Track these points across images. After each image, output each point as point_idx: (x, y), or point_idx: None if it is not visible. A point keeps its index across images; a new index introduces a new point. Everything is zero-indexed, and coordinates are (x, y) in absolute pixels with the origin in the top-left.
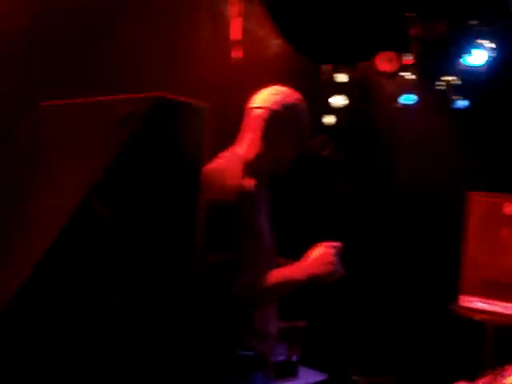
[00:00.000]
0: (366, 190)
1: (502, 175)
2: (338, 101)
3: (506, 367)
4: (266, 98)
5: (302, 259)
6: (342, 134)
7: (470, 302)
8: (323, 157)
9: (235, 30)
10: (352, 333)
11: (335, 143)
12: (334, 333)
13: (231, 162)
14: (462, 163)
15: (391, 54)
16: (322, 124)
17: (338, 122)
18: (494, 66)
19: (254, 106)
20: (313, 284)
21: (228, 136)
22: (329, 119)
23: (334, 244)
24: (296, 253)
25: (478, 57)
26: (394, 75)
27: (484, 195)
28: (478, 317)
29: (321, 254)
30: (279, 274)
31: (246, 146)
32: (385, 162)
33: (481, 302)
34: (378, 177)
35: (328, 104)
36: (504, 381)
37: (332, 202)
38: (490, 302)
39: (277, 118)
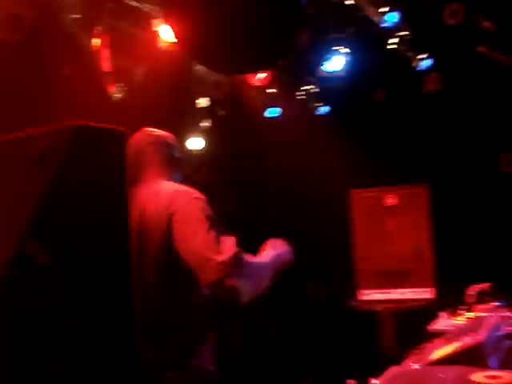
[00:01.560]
0: (242, 210)
1: (378, 171)
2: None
3: (425, 345)
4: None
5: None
6: (213, 157)
7: (368, 294)
8: (196, 181)
9: (104, 62)
10: (261, 342)
11: (207, 166)
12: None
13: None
14: (338, 164)
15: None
16: (191, 149)
17: (207, 144)
18: (350, 69)
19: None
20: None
21: None
22: (197, 143)
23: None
24: None
25: (336, 63)
26: (260, 89)
27: (365, 191)
28: (378, 307)
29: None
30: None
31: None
32: (259, 179)
33: (378, 292)
34: (253, 194)
35: (197, 128)
36: (429, 357)
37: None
38: (387, 291)
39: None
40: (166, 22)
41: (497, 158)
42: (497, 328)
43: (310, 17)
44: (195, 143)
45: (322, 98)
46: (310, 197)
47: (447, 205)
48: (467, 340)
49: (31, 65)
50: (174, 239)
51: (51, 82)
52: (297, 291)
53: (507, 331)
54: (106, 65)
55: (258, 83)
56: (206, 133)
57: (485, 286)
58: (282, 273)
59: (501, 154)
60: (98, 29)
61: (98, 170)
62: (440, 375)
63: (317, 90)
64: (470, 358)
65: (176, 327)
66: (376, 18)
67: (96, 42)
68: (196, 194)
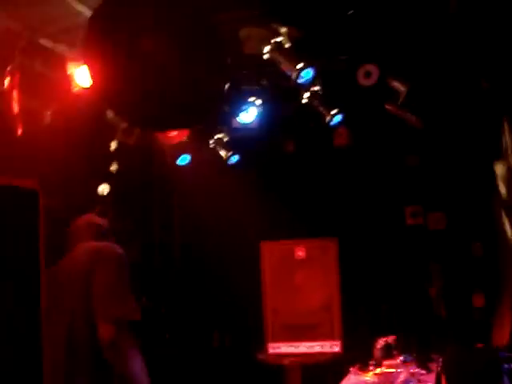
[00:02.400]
0: (148, 259)
1: (288, 223)
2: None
3: None
4: None
5: None
6: (121, 202)
7: (277, 348)
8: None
9: (13, 103)
10: None
11: (114, 212)
12: None
13: None
14: (249, 215)
15: None
16: (98, 193)
17: (114, 189)
18: (262, 121)
19: None
20: None
21: None
22: (104, 188)
23: None
24: None
25: (250, 114)
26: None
27: (276, 243)
28: (286, 361)
29: None
30: None
31: None
32: (168, 226)
33: (286, 345)
34: (163, 241)
35: (104, 172)
36: None
37: None
38: (295, 344)
39: None
40: (86, 64)
41: (402, 210)
42: None
43: (226, 68)
44: (103, 188)
45: (233, 147)
46: (220, 247)
47: (354, 258)
48: None
49: None
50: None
51: None
52: (204, 341)
53: None
54: (14, 105)
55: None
56: (115, 178)
57: (390, 338)
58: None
59: (406, 207)
60: (9, 68)
61: (10, 228)
62: None
63: (227, 139)
64: None
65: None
66: (292, 74)
67: (6, 81)
68: (113, 253)
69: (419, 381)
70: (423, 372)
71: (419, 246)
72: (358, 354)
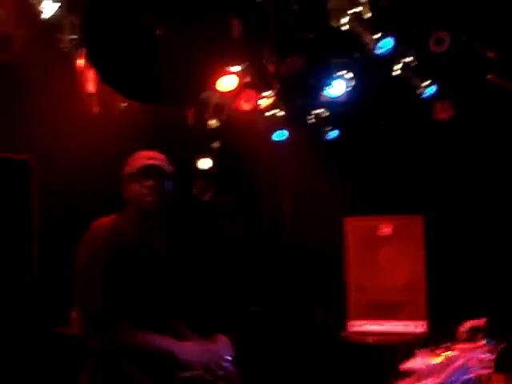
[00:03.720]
0: (252, 231)
1: (376, 199)
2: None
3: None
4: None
5: (198, 341)
6: (220, 178)
7: (360, 326)
8: (205, 202)
9: (89, 83)
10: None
11: (214, 187)
12: None
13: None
14: (335, 190)
15: (249, 93)
16: (198, 169)
17: (214, 165)
18: (354, 95)
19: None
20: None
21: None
22: (204, 163)
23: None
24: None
25: (338, 88)
26: (259, 112)
27: (360, 219)
28: (370, 340)
29: (212, 351)
30: (159, 340)
31: None
32: (267, 201)
33: (369, 324)
34: (262, 215)
35: (203, 148)
36: None
37: (221, 246)
38: (378, 322)
39: None
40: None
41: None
42: (464, 371)
43: (309, 41)
44: (204, 163)
45: (330, 122)
46: (307, 223)
47: (442, 237)
48: (428, 381)
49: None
50: None
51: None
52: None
53: (476, 375)
54: (90, 85)
55: (246, 109)
56: (215, 154)
57: (479, 322)
58: None
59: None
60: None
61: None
62: None
63: (327, 114)
64: None
65: None
66: (370, 44)
67: (81, 61)
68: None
69: (484, 367)
70: (490, 356)
71: None
72: (444, 336)
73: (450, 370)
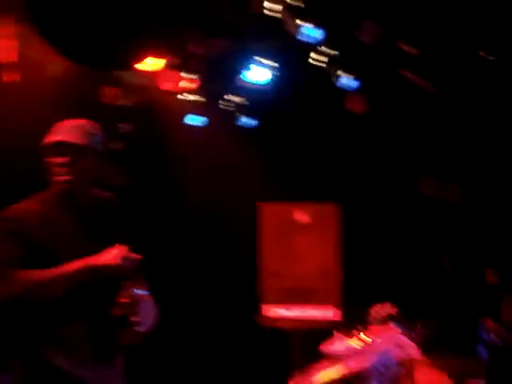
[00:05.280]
0: (157, 215)
1: (292, 186)
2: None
3: (311, 367)
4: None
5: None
6: (129, 160)
7: (272, 310)
8: (111, 184)
9: (8, 52)
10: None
11: (123, 170)
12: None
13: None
14: (253, 177)
15: (171, 73)
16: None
17: (123, 147)
18: (277, 84)
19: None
20: (98, 274)
21: None
22: (114, 145)
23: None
24: None
25: (259, 74)
26: (177, 95)
27: (275, 205)
28: (280, 324)
29: (108, 250)
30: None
31: None
32: (176, 184)
33: (282, 309)
34: (169, 199)
35: (112, 129)
36: (312, 378)
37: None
38: (291, 307)
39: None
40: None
41: (415, 181)
42: (386, 355)
43: (231, 26)
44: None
45: (248, 109)
46: (222, 205)
47: (361, 225)
48: (352, 365)
49: None
50: None
51: None
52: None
53: (396, 358)
54: (9, 55)
55: (168, 88)
56: (127, 135)
57: (387, 306)
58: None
59: (419, 178)
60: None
61: None
62: None
63: (244, 101)
64: (355, 382)
65: None
66: (294, 31)
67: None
68: None
69: (402, 350)
70: (408, 340)
71: (431, 217)
72: (355, 320)
73: (373, 354)
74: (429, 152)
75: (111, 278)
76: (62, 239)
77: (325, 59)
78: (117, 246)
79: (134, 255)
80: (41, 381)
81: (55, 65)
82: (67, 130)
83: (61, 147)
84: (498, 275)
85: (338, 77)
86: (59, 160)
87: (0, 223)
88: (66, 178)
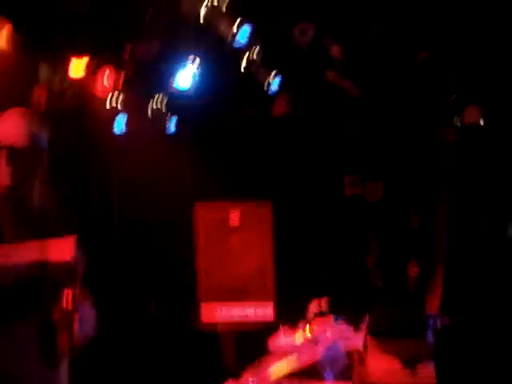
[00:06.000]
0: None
1: (224, 186)
2: None
3: (263, 360)
4: None
5: None
6: (55, 170)
7: (211, 311)
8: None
9: None
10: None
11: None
12: None
13: None
14: (186, 180)
15: (98, 75)
16: None
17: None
18: (201, 86)
19: None
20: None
21: None
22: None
23: None
24: None
25: (185, 78)
26: (104, 99)
27: (209, 205)
28: (219, 325)
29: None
30: None
31: None
32: (107, 191)
33: (220, 309)
34: (103, 206)
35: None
36: (266, 372)
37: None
38: (229, 307)
39: None
40: None
41: (341, 180)
42: (333, 345)
43: (161, 30)
44: None
45: (171, 113)
46: (156, 212)
47: (291, 224)
48: (304, 357)
49: None
50: None
51: None
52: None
53: (344, 348)
54: None
55: (102, 92)
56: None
57: (323, 300)
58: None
59: (344, 177)
60: None
61: None
62: None
63: (167, 103)
64: (308, 373)
65: None
66: (228, 36)
67: None
68: None
69: (347, 339)
70: (352, 331)
71: (357, 215)
72: (293, 316)
73: (322, 345)
74: (353, 152)
75: (53, 279)
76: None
77: (251, 61)
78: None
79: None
80: None
81: None
82: (6, 128)
83: None
84: (419, 269)
85: (264, 80)
86: None
87: None
88: (6, 180)
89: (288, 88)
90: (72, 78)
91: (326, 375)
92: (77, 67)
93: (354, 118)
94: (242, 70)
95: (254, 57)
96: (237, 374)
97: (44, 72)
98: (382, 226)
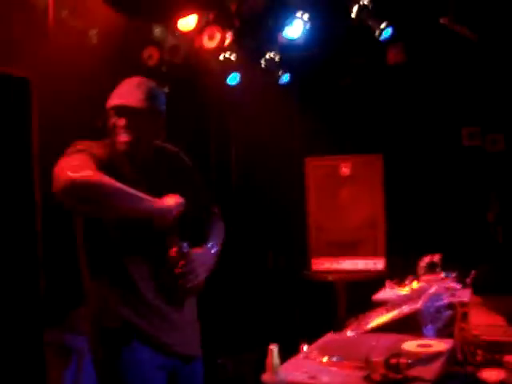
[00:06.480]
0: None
1: (335, 140)
2: None
3: (366, 314)
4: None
5: None
6: (173, 123)
7: (321, 264)
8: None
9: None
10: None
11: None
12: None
13: None
14: (296, 133)
15: (214, 29)
16: None
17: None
18: (311, 37)
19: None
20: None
21: None
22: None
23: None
24: None
25: (296, 29)
26: (217, 54)
27: (320, 159)
28: (330, 277)
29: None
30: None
31: None
32: (219, 143)
33: (330, 262)
34: (215, 158)
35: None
36: (367, 325)
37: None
38: (339, 260)
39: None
40: None
41: (459, 131)
42: (436, 298)
43: None
44: None
45: (284, 65)
46: (269, 165)
47: (404, 177)
48: (405, 309)
49: None
50: None
51: None
52: (257, 260)
53: (448, 301)
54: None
55: (210, 46)
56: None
57: (435, 256)
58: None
59: (462, 128)
60: None
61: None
62: (373, 343)
63: (279, 57)
64: (407, 326)
65: None
66: None
67: None
68: None
69: (453, 295)
70: (459, 287)
71: (476, 168)
72: (402, 272)
73: (424, 296)
74: (473, 102)
75: (165, 226)
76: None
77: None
78: (172, 195)
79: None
80: (114, 337)
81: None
82: (128, 93)
83: (121, 110)
84: None
85: (376, 28)
86: (119, 122)
87: (72, 147)
88: (126, 139)
89: (401, 36)
90: (183, 35)
91: (425, 330)
92: (187, 24)
93: (472, 64)
94: (353, 16)
95: (365, 2)
96: (342, 325)
97: (156, 31)
98: (504, 178)
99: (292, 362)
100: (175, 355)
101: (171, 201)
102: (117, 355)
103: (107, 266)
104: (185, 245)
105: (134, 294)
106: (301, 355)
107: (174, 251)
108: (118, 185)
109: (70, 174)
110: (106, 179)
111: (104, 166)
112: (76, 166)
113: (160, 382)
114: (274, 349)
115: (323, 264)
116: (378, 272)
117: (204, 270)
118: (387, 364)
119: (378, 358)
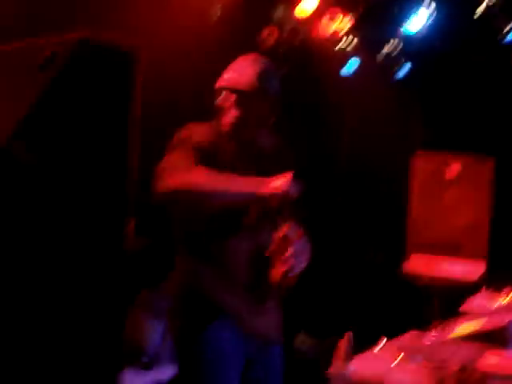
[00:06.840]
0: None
1: (446, 135)
2: None
3: (454, 319)
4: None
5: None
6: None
7: (418, 264)
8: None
9: None
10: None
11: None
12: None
13: None
14: (407, 126)
15: (336, 10)
16: None
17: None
18: (434, 29)
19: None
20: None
21: None
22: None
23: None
24: None
25: (420, 20)
26: (336, 40)
27: (429, 154)
28: (426, 279)
29: (275, 178)
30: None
31: None
32: (330, 132)
33: (428, 263)
34: (325, 147)
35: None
36: (452, 331)
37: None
38: (438, 262)
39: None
40: None
41: None
42: None
43: None
44: None
45: (403, 56)
46: (377, 158)
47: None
48: (494, 320)
49: None
50: None
51: None
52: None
53: None
54: None
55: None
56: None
57: None
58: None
59: None
60: None
61: (99, 83)
62: (452, 350)
63: (400, 48)
64: (493, 339)
65: None
66: None
67: None
68: None
69: None
70: None
71: None
72: (504, 277)
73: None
74: None
75: (271, 209)
76: (226, 168)
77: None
78: (282, 175)
79: (298, 185)
80: (198, 313)
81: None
82: (239, 71)
83: (229, 90)
84: None
85: (501, 27)
86: (226, 103)
87: (176, 136)
88: (232, 121)
89: None
90: (302, 19)
91: (511, 344)
92: (306, 8)
93: None
94: (478, 14)
95: (493, 1)
96: (428, 327)
97: (275, 12)
98: None
99: (365, 355)
100: (257, 338)
101: (278, 182)
102: (198, 331)
103: (204, 244)
104: (292, 229)
105: (226, 274)
106: (377, 348)
107: (280, 235)
108: (216, 179)
109: (168, 181)
110: (203, 178)
111: (206, 153)
112: (175, 169)
113: (238, 362)
114: (345, 339)
115: (420, 264)
116: (476, 277)
117: (305, 259)
118: (460, 375)
119: (453, 367)
